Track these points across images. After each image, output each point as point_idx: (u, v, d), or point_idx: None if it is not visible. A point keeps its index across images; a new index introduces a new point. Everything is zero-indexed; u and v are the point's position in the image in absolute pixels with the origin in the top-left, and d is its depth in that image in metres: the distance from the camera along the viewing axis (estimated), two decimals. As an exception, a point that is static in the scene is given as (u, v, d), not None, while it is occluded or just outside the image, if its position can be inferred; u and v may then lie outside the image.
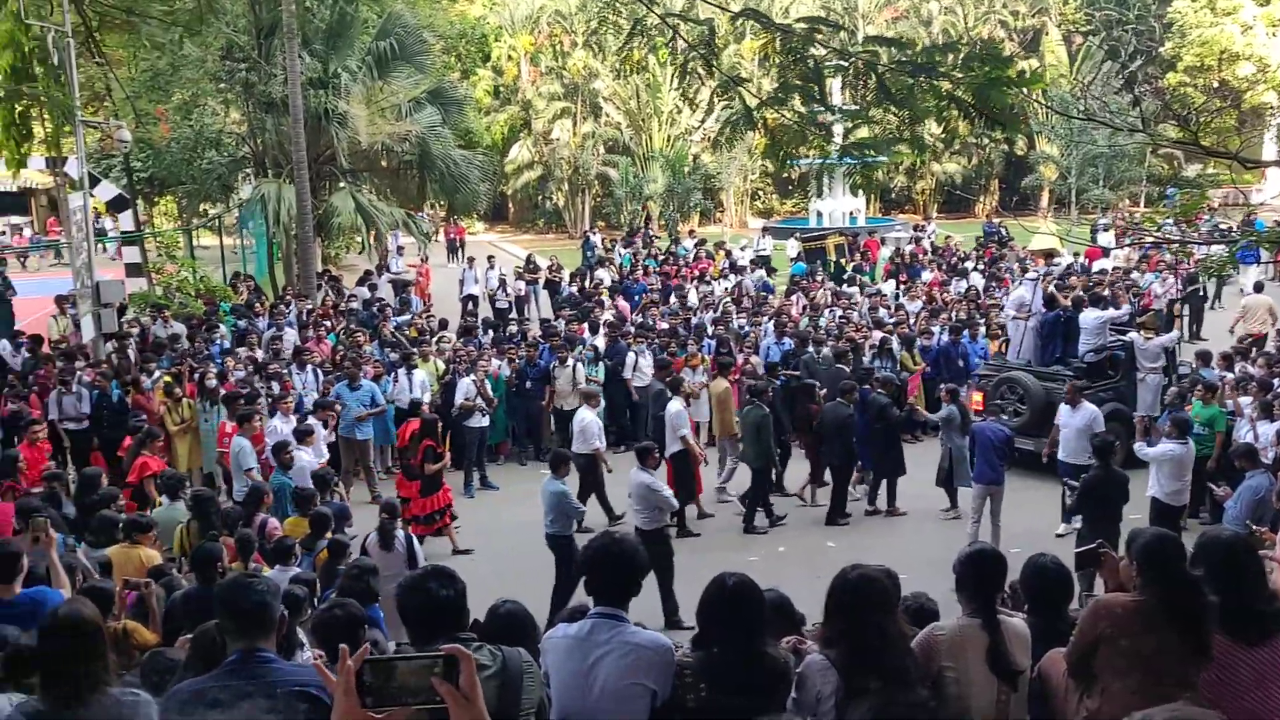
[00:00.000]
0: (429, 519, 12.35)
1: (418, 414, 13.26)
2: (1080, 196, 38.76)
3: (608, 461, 13.30)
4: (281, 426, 12.70)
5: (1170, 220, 13.76)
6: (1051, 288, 16.52)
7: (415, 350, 15.95)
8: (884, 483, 13.63)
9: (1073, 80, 38.84)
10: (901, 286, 22.31)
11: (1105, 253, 25.64)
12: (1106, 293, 17.74)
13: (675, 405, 13.04)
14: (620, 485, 12.16)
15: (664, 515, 10.57)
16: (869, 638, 4.05)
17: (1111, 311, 15.46)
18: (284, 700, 3.44)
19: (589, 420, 13.11)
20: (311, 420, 13.02)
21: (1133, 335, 14.68)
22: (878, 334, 17.10)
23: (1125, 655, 4.10)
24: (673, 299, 21.07)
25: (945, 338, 16.92)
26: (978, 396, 14.77)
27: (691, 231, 33.39)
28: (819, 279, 23.50)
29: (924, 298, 20.36)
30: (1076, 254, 25.14)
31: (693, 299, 21.03)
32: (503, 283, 24.03)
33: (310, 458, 12.01)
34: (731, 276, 24.02)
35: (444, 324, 19.16)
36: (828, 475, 13.77)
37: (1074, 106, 26.18)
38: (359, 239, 28.24)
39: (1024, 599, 5.17)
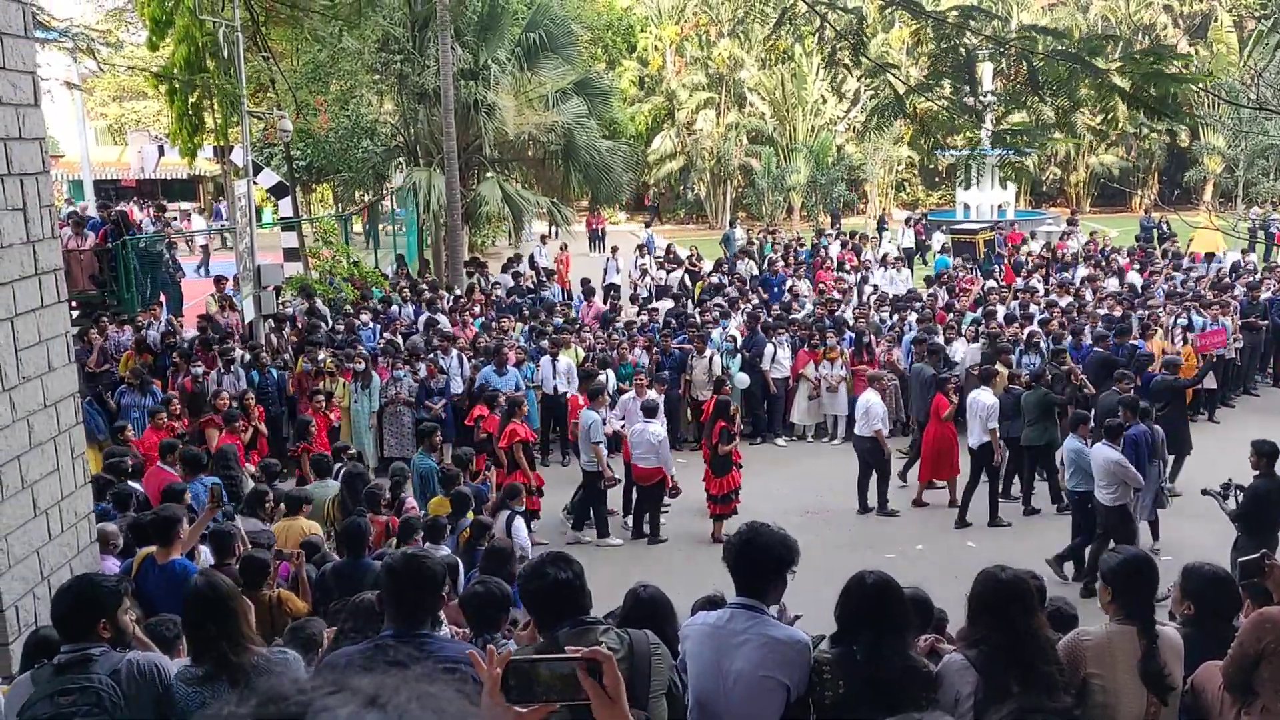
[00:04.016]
0: (725, 499, 12.48)
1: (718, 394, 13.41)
2: (1248, 191, 36.79)
3: (887, 446, 13.40)
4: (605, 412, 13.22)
5: None
6: None
7: (556, 337, 16.11)
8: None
9: (1243, 68, 36.81)
10: (1052, 282, 21.56)
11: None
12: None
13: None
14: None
15: (1129, 491, 10.62)
16: (1012, 640, 3.97)
17: None
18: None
19: (874, 403, 13.21)
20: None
21: None
22: (1027, 329, 16.58)
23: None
24: (805, 289, 20.92)
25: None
26: None
27: (833, 223, 32.99)
28: (972, 274, 22.90)
29: (1072, 295, 19.65)
30: (1245, 251, 23.88)
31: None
32: (644, 272, 24.16)
33: (662, 431, 12.50)
34: (880, 269, 23.60)
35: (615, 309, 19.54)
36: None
37: (1244, 95, 24.79)
38: (505, 227, 28.82)
39: (1188, 608, 4.95)
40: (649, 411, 12.55)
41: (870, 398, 13.24)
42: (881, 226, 29.66)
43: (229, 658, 4.14)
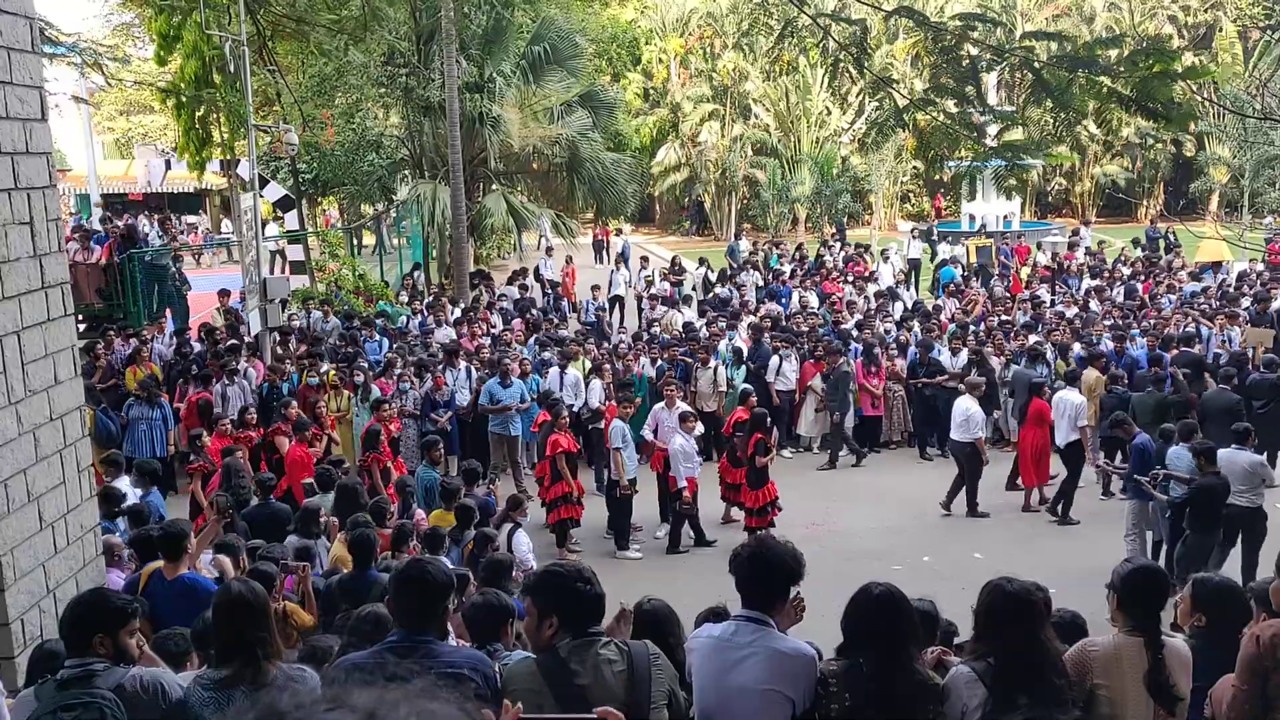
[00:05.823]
0: (761, 511, 12.37)
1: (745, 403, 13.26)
2: (1254, 201, 36.69)
3: (986, 452, 13.51)
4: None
5: None
6: None
7: (565, 350, 16.10)
8: None
9: (1248, 78, 36.77)
10: (1058, 292, 21.58)
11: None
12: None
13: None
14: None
15: (1263, 491, 10.45)
16: (1019, 652, 3.95)
17: None
18: (441, 678, 3.54)
19: (973, 410, 13.36)
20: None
21: None
22: (1033, 338, 16.58)
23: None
24: (804, 300, 20.93)
25: (1108, 346, 16.28)
26: None
27: (836, 234, 32.93)
28: (975, 285, 22.92)
29: (1078, 305, 19.65)
30: (1253, 259, 23.84)
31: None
32: (649, 284, 24.17)
33: (679, 441, 12.38)
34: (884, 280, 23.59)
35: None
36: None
37: (1249, 105, 24.77)
38: (510, 240, 28.89)
39: (1199, 619, 4.92)
40: (682, 421, 12.58)
41: (969, 404, 13.40)
42: (929, 234, 29.41)
43: (255, 665, 4.14)
